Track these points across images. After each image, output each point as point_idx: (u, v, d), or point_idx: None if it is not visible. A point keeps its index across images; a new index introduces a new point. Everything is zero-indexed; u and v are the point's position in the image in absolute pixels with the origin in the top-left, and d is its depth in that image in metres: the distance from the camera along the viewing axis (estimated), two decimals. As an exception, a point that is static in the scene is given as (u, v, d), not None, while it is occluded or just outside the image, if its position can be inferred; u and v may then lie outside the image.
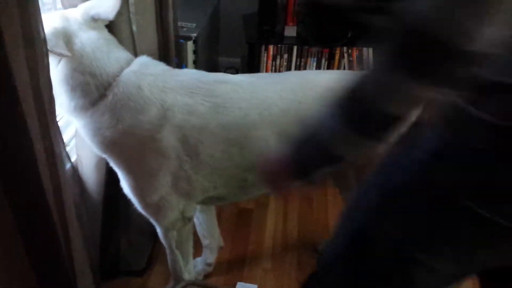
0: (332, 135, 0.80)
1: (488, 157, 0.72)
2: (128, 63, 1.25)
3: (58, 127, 1.13)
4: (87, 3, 1.24)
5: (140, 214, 1.40)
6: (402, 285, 0.90)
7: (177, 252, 1.52)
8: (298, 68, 2.64)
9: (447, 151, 0.76)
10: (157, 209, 1.35)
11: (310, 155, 0.86)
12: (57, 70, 1.18)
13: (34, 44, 0.91)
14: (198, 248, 1.81)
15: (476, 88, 0.69)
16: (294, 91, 1.33)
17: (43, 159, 0.95)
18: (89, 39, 1.20)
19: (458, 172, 0.75)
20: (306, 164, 0.87)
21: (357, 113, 0.76)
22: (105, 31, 1.27)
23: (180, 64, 2.08)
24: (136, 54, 1.39)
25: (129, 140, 1.23)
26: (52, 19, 1.19)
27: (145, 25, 1.58)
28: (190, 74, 1.35)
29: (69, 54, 1.14)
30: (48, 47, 1.10)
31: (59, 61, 1.17)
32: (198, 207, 1.67)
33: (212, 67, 2.89)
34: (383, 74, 0.71)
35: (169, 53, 1.84)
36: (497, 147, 0.71)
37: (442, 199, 0.77)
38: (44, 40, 0.98)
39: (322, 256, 1.18)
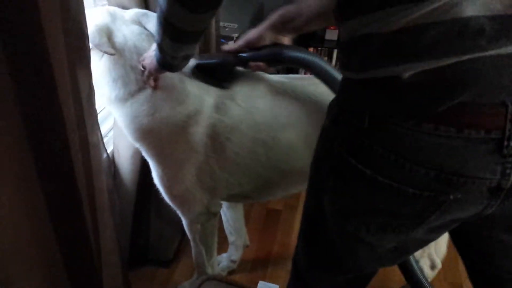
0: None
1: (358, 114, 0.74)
2: None
3: (96, 118, 1.17)
4: (140, 10, 1.29)
5: (170, 207, 1.43)
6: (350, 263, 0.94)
7: (201, 245, 1.55)
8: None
9: (341, 115, 0.80)
10: (182, 200, 1.38)
11: None
12: (100, 63, 1.23)
13: (74, 36, 0.94)
14: (224, 244, 1.84)
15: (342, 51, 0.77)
16: (323, 94, 1.32)
17: (77, 148, 0.99)
18: (132, 33, 1.24)
19: (345, 132, 0.78)
20: None
21: None
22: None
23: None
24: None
25: (163, 129, 1.27)
26: (98, 14, 1.24)
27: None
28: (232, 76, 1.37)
29: (113, 52, 1.19)
30: (93, 44, 1.15)
31: (102, 55, 1.22)
32: (225, 204, 1.70)
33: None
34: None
35: (209, 52, 1.87)
36: (359, 100, 0.75)
37: (336, 158, 0.80)
38: (86, 33, 1.02)
39: None
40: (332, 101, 0.87)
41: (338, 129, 0.80)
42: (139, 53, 1.24)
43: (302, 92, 1.33)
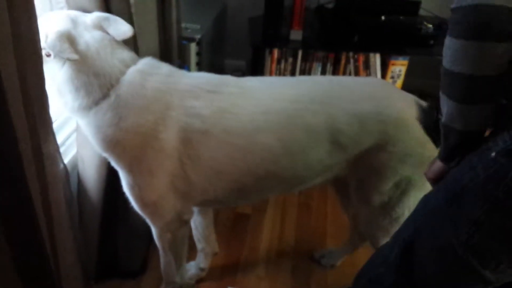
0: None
1: None
2: (133, 63, 1.25)
3: (50, 126, 1.12)
4: (102, 14, 1.24)
5: (138, 216, 1.39)
6: None
7: (170, 254, 1.51)
8: (303, 72, 2.62)
9: None
10: (154, 209, 1.34)
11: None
12: (62, 71, 1.18)
13: (24, 42, 0.90)
14: (192, 252, 1.80)
15: None
16: (301, 96, 1.31)
17: (30, 158, 0.94)
18: (94, 39, 1.20)
19: None
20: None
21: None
22: None
23: (182, 65, 2.06)
24: (137, 55, 1.38)
25: (130, 138, 1.22)
26: (58, 19, 1.18)
27: (146, 26, 1.57)
28: (197, 77, 1.34)
29: (76, 57, 1.14)
30: (54, 52, 1.11)
31: (64, 62, 1.17)
32: (195, 210, 1.66)
33: (217, 70, 2.87)
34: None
35: (171, 54, 1.83)
36: None
37: (508, 193, 0.79)
38: (37, 38, 0.97)
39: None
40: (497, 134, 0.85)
41: None
42: (102, 59, 1.19)
43: (279, 95, 1.31)
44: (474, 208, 0.85)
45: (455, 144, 0.93)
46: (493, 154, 0.82)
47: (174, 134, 1.22)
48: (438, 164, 0.99)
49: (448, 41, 0.84)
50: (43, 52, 1.12)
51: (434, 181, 1.02)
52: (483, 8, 0.77)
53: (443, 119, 0.92)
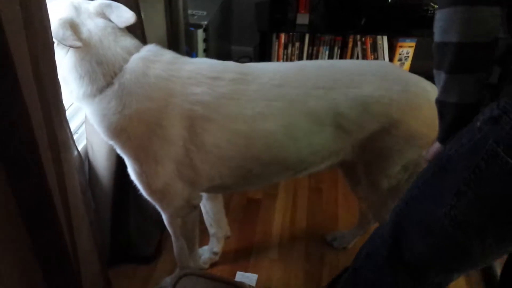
0: None
1: None
2: (136, 51, 1.25)
3: (64, 114, 1.13)
4: (105, 1, 1.24)
5: (149, 201, 1.40)
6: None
7: (182, 239, 1.53)
8: (310, 56, 2.61)
9: (504, 115, 0.77)
10: (162, 195, 1.35)
11: None
12: (66, 59, 1.19)
13: (36, 32, 0.90)
14: (205, 236, 1.82)
15: None
16: (304, 81, 1.31)
17: (46, 147, 0.95)
18: (97, 27, 1.20)
19: (506, 133, 0.77)
20: None
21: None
22: None
23: (190, 52, 2.07)
24: (145, 42, 1.38)
25: (135, 126, 1.23)
26: (61, 7, 1.19)
27: (153, 13, 1.57)
28: (199, 63, 1.33)
29: (80, 44, 1.14)
30: (57, 39, 1.11)
31: (68, 50, 1.18)
32: (205, 195, 1.68)
33: (224, 56, 2.88)
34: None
35: (178, 41, 1.83)
36: None
37: (488, 161, 0.79)
38: (48, 27, 0.98)
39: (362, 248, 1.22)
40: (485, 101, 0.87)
41: (497, 128, 0.78)
42: (105, 47, 1.20)
43: (281, 80, 1.31)
44: (457, 178, 0.84)
45: (451, 121, 0.92)
46: (478, 123, 0.82)
47: (178, 121, 1.23)
48: (436, 145, 0.98)
49: (438, 13, 0.85)
50: None
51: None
52: None
53: (437, 95, 0.92)
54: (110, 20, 1.24)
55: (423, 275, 1.02)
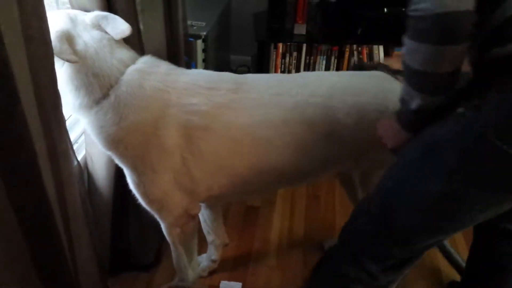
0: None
1: None
2: (132, 63, 1.27)
3: (64, 125, 1.15)
4: (101, 13, 1.26)
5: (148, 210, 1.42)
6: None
7: (181, 248, 1.54)
8: (307, 66, 2.64)
9: (486, 103, 0.88)
10: (160, 205, 1.37)
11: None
12: (61, 71, 1.20)
13: (36, 42, 0.92)
14: (203, 244, 1.83)
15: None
16: (301, 90, 1.33)
17: (45, 157, 0.97)
18: (92, 40, 1.21)
19: (493, 118, 0.87)
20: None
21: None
22: None
23: (189, 62, 2.09)
24: (143, 53, 1.40)
25: (132, 137, 1.25)
26: (57, 19, 1.20)
27: (152, 24, 1.59)
28: (195, 74, 1.35)
29: (76, 59, 1.16)
30: (54, 53, 1.12)
31: (64, 62, 1.19)
32: (203, 204, 1.69)
33: (223, 66, 2.90)
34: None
35: (178, 51, 1.85)
36: None
37: (476, 143, 0.90)
38: (48, 39, 0.99)
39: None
40: (466, 90, 0.97)
41: (482, 114, 0.88)
42: (100, 60, 1.21)
43: (278, 89, 1.32)
44: (449, 159, 0.94)
45: (416, 116, 1.03)
46: (462, 109, 0.93)
47: (174, 131, 1.25)
48: (404, 134, 1.09)
49: (412, 44, 0.93)
50: None
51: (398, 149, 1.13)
52: (452, 15, 0.85)
53: (401, 93, 1.05)
54: (106, 32, 1.25)
55: (412, 243, 1.12)
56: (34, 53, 0.91)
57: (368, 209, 1.18)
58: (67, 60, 1.15)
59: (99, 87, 1.21)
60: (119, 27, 1.25)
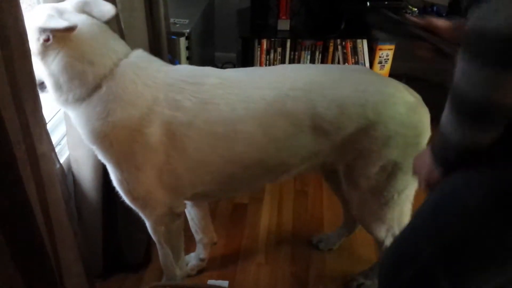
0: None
1: None
2: (125, 55, 1.25)
3: (44, 127, 1.13)
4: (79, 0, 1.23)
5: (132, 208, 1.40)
6: None
7: (166, 247, 1.53)
8: (292, 61, 2.64)
9: None
10: (144, 202, 1.36)
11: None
12: (55, 62, 1.17)
13: (11, 44, 0.91)
14: (192, 243, 1.83)
15: None
16: (281, 83, 1.32)
17: (25, 160, 0.96)
18: (83, 23, 1.18)
19: None
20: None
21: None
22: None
23: (173, 60, 2.08)
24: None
25: (117, 133, 1.23)
26: (40, 13, 1.16)
27: (134, 22, 1.58)
28: (181, 70, 1.35)
29: (77, 24, 1.12)
30: (51, 29, 1.10)
31: (58, 52, 1.16)
32: (189, 202, 1.68)
33: (208, 63, 2.89)
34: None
35: (161, 50, 1.84)
36: None
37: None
38: (26, 40, 0.98)
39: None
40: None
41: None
42: (95, 47, 1.19)
43: (260, 83, 1.32)
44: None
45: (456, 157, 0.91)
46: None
47: (159, 128, 1.24)
48: (435, 173, 0.97)
49: (471, 65, 0.77)
50: (41, 39, 1.12)
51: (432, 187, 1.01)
52: None
53: (442, 129, 0.89)
54: (92, 17, 1.23)
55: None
56: (10, 54, 0.90)
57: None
58: (66, 29, 1.11)
59: (93, 76, 1.19)
60: (104, 8, 1.24)
